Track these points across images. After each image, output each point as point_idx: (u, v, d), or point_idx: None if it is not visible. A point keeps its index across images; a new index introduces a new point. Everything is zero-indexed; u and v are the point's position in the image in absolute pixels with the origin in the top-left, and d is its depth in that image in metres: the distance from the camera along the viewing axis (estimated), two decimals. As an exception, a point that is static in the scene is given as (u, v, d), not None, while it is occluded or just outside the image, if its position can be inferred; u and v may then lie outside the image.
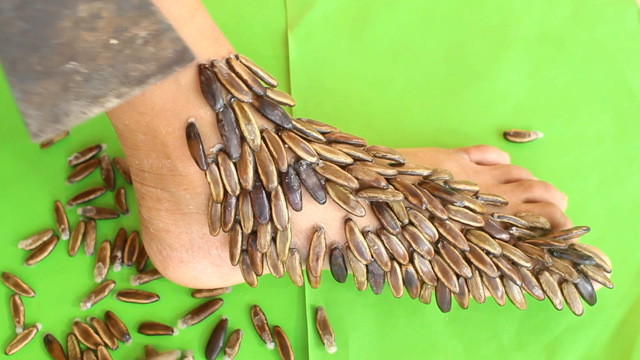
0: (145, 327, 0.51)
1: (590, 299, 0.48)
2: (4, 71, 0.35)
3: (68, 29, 0.35)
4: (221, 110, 0.43)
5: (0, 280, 0.53)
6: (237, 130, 0.43)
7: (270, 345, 0.50)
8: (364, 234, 0.46)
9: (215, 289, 0.52)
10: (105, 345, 0.50)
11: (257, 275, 0.47)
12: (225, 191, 0.44)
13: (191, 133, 0.43)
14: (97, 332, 0.51)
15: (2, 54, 0.35)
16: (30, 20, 0.35)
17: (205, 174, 0.44)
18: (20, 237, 0.54)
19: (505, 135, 0.58)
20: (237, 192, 0.44)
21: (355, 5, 0.65)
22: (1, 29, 0.35)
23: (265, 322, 0.51)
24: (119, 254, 0.54)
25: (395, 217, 0.45)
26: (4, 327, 0.51)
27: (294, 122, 0.45)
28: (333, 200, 0.45)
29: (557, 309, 0.47)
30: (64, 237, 0.54)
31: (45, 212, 0.55)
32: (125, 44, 0.37)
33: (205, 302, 0.52)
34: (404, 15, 0.65)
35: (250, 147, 0.43)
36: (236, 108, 0.43)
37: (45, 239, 0.54)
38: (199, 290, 0.52)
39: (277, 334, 0.51)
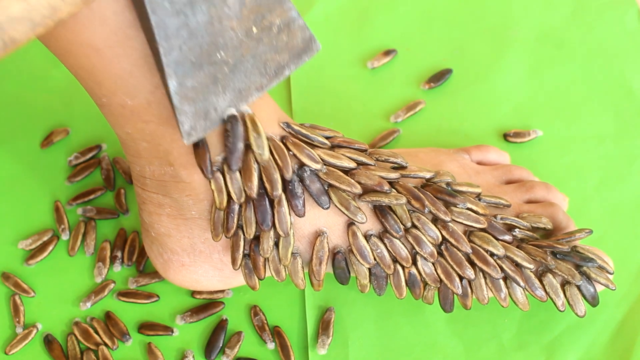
0: (145, 327, 0.51)
1: (593, 301, 0.48)
2: (164, 69, 0.36)
3: (218, 17, 0.36)
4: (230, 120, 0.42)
5: (0, 280, 0.53)
6: (241, 142, 0.43)
7: (271, 345, 0.50)
8: (367, 237, 0.46)
9: (216, 292, 0.52)
10: (106, 345, 0.50)
11: (259, 279, 0.47)
12: (229, 198, 0.44)
13: (199, 142, 0.42)
14: (97, 332, 0.51)
15: (162, 49, 0.36)
16: (184, 12, 0.35)
17: (210, 182, 0.43)
18: (20, 237, 0.54)
19: (505, 136, 0.58)
20: (242, 200, 0.44)
21: (355, 5, 0.65)
22: (161, 23, 0.35)
23: (265, 322, 0.51)
24: (119, 254, 0.54)
25: (398, 221, 0.45)
26: (4, 327, 0.51)
27: (298, 128, 0.45)
28: (335, 205, 0.45)
29: (560, 311, 0.47)
30: (64, 237, 0.54)
31: (45, 212, 0.55)
32: (263, 32, 0.37)
33: (206, 303, 0.52)
34: (404, 15, 0.64)
35: (257, 161, 0.43)
36: (247, 120, 0.43)
37: (45, 239, 0.54)
38: (199, 292, 0.52)
39: (277, 334, 0.51)
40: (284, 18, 0.38)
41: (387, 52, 0.62)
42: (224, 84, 0.38)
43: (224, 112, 0.39)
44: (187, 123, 0.38)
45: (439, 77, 0.61)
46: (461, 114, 0.60)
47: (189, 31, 0.36)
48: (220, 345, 0.51)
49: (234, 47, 0.37)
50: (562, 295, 0.47)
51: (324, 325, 0.51)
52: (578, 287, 0.47)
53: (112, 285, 0.53)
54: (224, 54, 0.37)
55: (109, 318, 0.51)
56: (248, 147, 0.43)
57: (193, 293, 0.52)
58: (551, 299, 0.47)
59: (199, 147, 0.42)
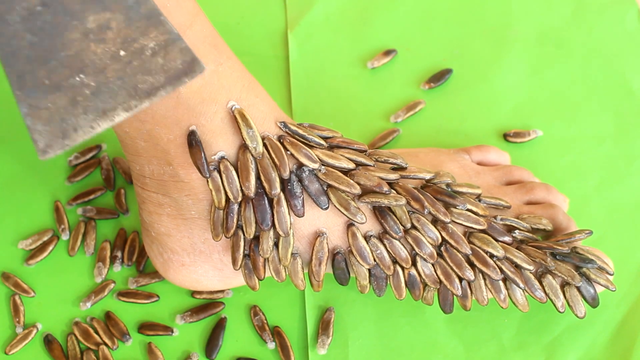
0: (145, 327, 0.51)
1: (593, 302, 0.48)
2: (11, 85, 0.35)
3: (77, 40, 0.35)
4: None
5: (0, 280, 0.53)
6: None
7: (271, 345, 0.50)
8: (367, 238, 0.46)
9: (216, 292, 0.52)
10: (106, 345, 0.50)
11: (259, 279, 0.47)
12: (227, 198, 0.44)
13: (193, 141, 0.42)
14: (97, 332, 0.51)
15: (9, 67, 0.34)
16: (39, 32, 0.34)
17: (207, 182, 0.44)
18: (20, 237, 0.54)
19: (505, 136, 0.58)
20: (239, 199, 0.44)
21: (355, 5, 0.65)
22: (9, 42, 0.34)
23: (265, 322, 0.51)
24: (119, 254, 0.54)
25: (397, 222, 0.45)
26: (4, 327, 0.51)
27: (295, 128, 0.45)
28: (335, 206, 0.45)
29: (560, 312, 0.47)
30: (64, 237, 0.54)
31: (45, 212, 0.55)
32: (133, 55, 0.36)
33: (206, 303, 0.52)
34: (404, 15, 0.64)
35: (252, 155, 0.43)
36: (237, 115, 0.43)
37: (45, 239, 0.54)
38: (199, 292, 0.52)
39: (277, 334, 0.51)
40: (160, 41, 0.36)
41: (387, 52, 0.62)
42: (85, 106, 0.36)
43: (86, 131, 0.37)
44: (42, 142, 0.36)
45: (439, 77, 0.61)
46: (461, 114, 0.60)
47: (42, 54, 0.35)
48: (220, 344, 0.51)
49: (96, 70, 0.36)
50: (561, 296, 0.47)
51: (323, 325, 0.51)
52: (578, 288, 0.47)
53: (112, 285, 0.53)
54: (84, 77, 0.36)
55: (109, 318, 0.51)
56: (245, 146, 0.43)
57: (193, 293, 0.52)
58: (551, 300, 0.47)
59: (193, 147, 0.42)
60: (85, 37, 0.35)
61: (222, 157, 0.43)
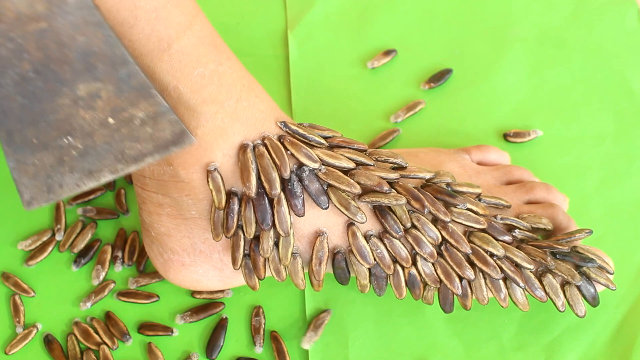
0: (145, 328, 0.51)
1: (593, 301, 0.48)
2: (2, 143, 0.35)
3: (66, 106, 0.35)
4: None
5: (0, 280, 0.53)
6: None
7: (259, 349, 0.50)
8: (367, 237, 0.46)
9: (216, 292, 0.52)
10: (106, 345, 0.50)
11: (259, 279, 0.47)
12: (228, 198, 0.44)
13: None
14: (97, 332, 0.51)
15: (0, 126, 0.35)
16: (30, 96, 0.34)
17: (208, 182, 0.44)
18: (20, 238, 0.54)
19: (505, 136, 0.58)
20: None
21: (355, 5, 0.65)
22: (0, 103, 0.34)
23: (262, 325, 0.51)
24: (119, 254, 0.54)
25: (397, 221, 0.45)
26: (4, 327, 0.51)
27: (296, 127, 0.45)
28: (335, 205, 0.45)
29: (560, 311, 0.47)
30: (58, 237, 0.54)
31: (45, 212, 0.55)
32: (122, 123, 0.36)
33: (206, 303, 0.52)
34: (404, 15, 0.65)
35: (253, 155, 0.43)
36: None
37: (44, 239, 0.54)
38: (199, 292, 0.52)
39: (273, 338, 0.51)
40: (150, 112, 0.37)
41: (387, 52, 0.62)
42: (72, 165, 0.37)
43: (71, 188, 0.38)
44: (27, 194, 0.37)
45: (439, 77, 0.61)
46: (461, 114, 0.60)
47: (31, 116, 0.35)
48: (221, 344, 0.51)
49: (84, 134, 0.36)
50: (562, 295, 0.47)
51: (317, 323, 0.51)
52: (578, 288, 0.47)
53: (112, 285, 0.53)
54: (72, 140, 0.36)
55: (109, 318, 0.51)
56: (245, 146, 0.43)
57: (193, 293, 0.52)
58: (551, 299, 0.47)
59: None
60: (74, 104, 0.35)
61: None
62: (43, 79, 0.34)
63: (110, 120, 0.36)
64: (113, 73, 0.35)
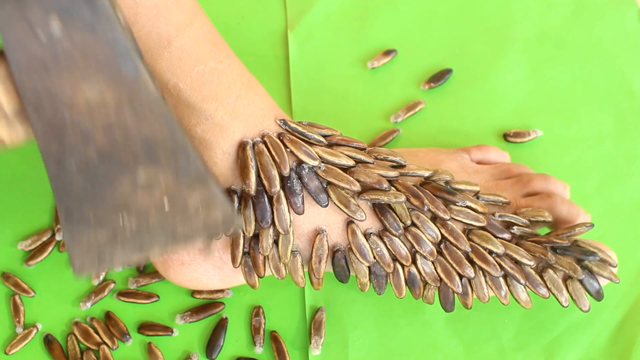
0: (145, 328, 0.51)
1: (598, 295, 0.48)
2: (60, 216, 0.37)
3: (126, 190, 0.36)
4: None
5: (0, 280, 0.53)
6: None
7: (259, 349, 0.50)
8: (367, 236, 0.46)
9: (216, 292, 0.52)
10: (106, 345, 0.50)
11: (258, 277, 0.47)
12: (228, 195, 0.44)
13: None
14: (97, 332, 0.51)
15: (59, 203, 0.36)
16: (92, 179, 0.36)
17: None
18: (20, 238, 0.54)
19: (505, 136, 0.58)
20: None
21: (355, 5, 0.65)
22: (63, 184, 0.36)
23: (262, 325, 0.51)
24: (119, 254, 0.54)
25: (397, 219, 0.45)
26: (4, 327, 0.51)
27: (295, 125, 0.45)
28: (334, 203, 0.45)
29: (563, 306, 0.47)
30: (58, 237, 0.54)
31: (45, 212, 0.55)
32: (177, 209, 0.38)
33: (206, 303, 0.52)
34: (404, 15, 0.65)
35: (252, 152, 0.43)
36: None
37: (44, 239, 0.54)
38: (199, 291, 0.52)
39: (273, 339, 0.51)
40: (205, 198, 0.38)
41: (387, 52, 0.62)
42: (124, 242, 0.38)
43: (122, 262, 0.39)
44: (78, 264, 0.38)
45: (439, 77, 0.61)
46: (461, 114, 0.60)
47: (91, 196, 0.36)
48: (221, 344, 0.50)
49: (140, 217, 0.37)
50: (564, 290, 0.47)
51: (316, 326, 0.51)
52: (581, 282, 0.47)
53: (112, 285, 0.53)
54: (127, 220, 0.37)
55: (109, 318, 0.51)
56: (245, 144, 0.44)
57: (193, 293, 0.52)
58: (554, 294, 0.47)
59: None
60: (133, 189, 0.36)
61: None
62: (106, 164, 0.35)
63: (167, 207, 0.37)
64: (173, 161, 0.36)
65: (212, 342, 0.50)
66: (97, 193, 0.36)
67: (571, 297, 0.47)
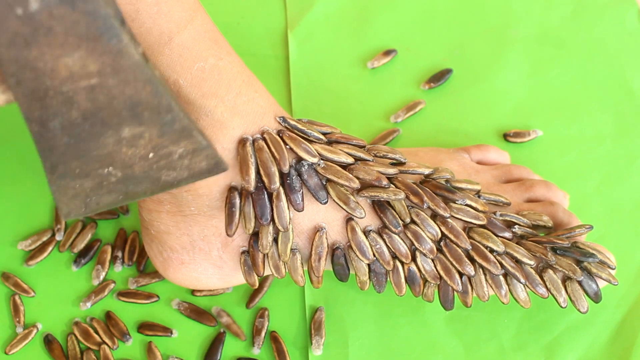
0: (145, 327, 0.51)
1: (595, 297, 0.48)
2: (45, 170, 0.37)
3: (110, 144, 0.37)
4: None
5: (0, 280, 0.53)
6: None
7: (257, 351, 0.50)
8: (366, 233, 0.46)
9: (216, 289, 0.52)
10: (106, 345, 0.50)
11: (258, 276, 0.47)
12: (228, 192, 0.44)
13: None
14: (97, 332, 0.51)
15: (44, 159, 0.37)
16: (76, 136, 0.36)
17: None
18: (20, 238, 0.54)
19: (505, 136, 0.58)
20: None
21: (355, 5, 0.65)
22: (47, 141, 0.36)
23: (265, 327, 0.51)
24: (119, 254, 0.54)
25: (397, 216, 0.45)
26: (4, 327, 0.51)
27: (294, 122, 0.45)
28: (334, 200, 0.45)
29: (562, 307, 0.47)
30: (58, 237, 0.54)
31: (45, 212, 0.55)
32: (161, 157, 0.38)
33: (203, 311, 0.52)
34: (404, 15, 0.65)
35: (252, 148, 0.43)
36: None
37: (44, 239, 0.54)
38: (200, 289, 0.52)
39: (273, 339, 0.51)
40: (189, 148, 0.38)
41: (387, 52, 0.62)
42: (109, 189, 0.39)
43: (108, 205, 0.40)
44: (65, 209, 0.39)
45: (439, 77, 0.61)
46: (461, 114, 0.60)
47: (76, 152, 0.37)
48: (219, 358, 0.50)
49: (124, 166, 0.38)
50: (563, 291, 0.47)
51: (315, 326, 0.51)
52: (579, 283, 0.47)
53: (112, 285, 0.53)
54: (112, 169, 0.38)
55: (109, 318, 0.51)
56: (244, 141, 0.44)
57: (193, 291, 0.52)
58: (552, 295, 0.47)
59: None
60: (118, 143, 0.37)
61: None
62: (90, 124, 0.36)
63: (151, 154, 0.38)
64: (157, 119, 0.37)
65: (210, 356, 0.50)
66: (81, 149, 0.36)
67: (570, 298, 0.47)
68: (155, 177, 0.39)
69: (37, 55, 0.33)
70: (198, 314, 0.51)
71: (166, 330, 0.51)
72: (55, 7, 0.32)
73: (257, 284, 0.47)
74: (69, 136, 0.36)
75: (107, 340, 0.50)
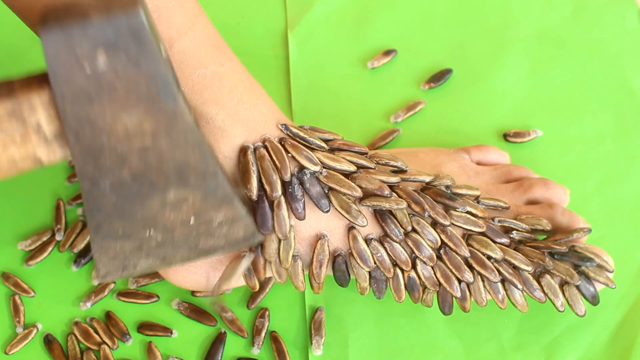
0: (145, 327, 0.51)
1: (593, 300, 0.48)
2: (89, 228, 0.38)
3: (155, 207, 0.38)
4: None
5: (0, 280, 0.53)
6: None
7: (256, 351, 0.50)
8: (367, 241, 0.46)
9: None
10: (106, 345, 0.50)
11: (259, 280, 0.47)
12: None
13: None
14: (97, 332, 0.51)
15: (90, 218, 0.38)
16: (123, 196, 0.37)
17: None
18: (20, 238, 0.54)
19: (505, 136, 0.58)
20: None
21: (355, 5, 0.65)
22: (95, 201, 0.37)
23: (265, 327, 0.51)
24: (119, 254, 0.54)
25: (398, 225, 0.45)
26: (4, 327, 0.51)
27: (296, 130, 0.45)
28: (336, 209, 0.45)
29: (560, 311, 0.47)
30: (58, 237, 0.54)
31: (45, 212, 0.55)
32: (202, 223, 0.39)
33: (204, 311, 0.52)
34: (404, 15, 0.65)
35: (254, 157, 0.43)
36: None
37: (44, 239, 0.54)
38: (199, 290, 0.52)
39: (273, 339, 0.51)
40: (229, 216, 0.40)
41: (387, 52, 0.62)
42: (148, 252, 0.40)
43: (145, 270, 0.41)
44: (104, 270, 0.40)
45: (439, 77, 0.61)
46: (461, 114, 0.60)
47: (121, 212, 0.38)
48: (219, 359, 0.50)
49: (165, 230, 0.39)
50: (561, 295, 0.47)
51: (315, 326, 0.51)
52: (577, 287, 0.47)
53: (112, 285, 0.53)
54: (153, 232, 0.39)
55: (109, 318, 0.51)
56: (246, 149, 0.43)
57: (193, 292, 0.52)
58: (550, 299, 0.47)
59: None
60: (162, 206, 0.38)
61: None
62: (138, 185, 0.37)
63: (192, 220, 0.39)
64: (203, 184, 0.38)
65: (210, 356, 0.50)
66: (127, 210, 0.37)
67: (567, 302, 0.47)
68: (193, 244, 0.40)
69: (98, 113, 0.34)
70: (198, 313, 0.52)
71: (166, 330, 0.51)
72: (121, 66, 0.33)
73: (257, 287, 0.47)
74: (117, 196, 0.37)
75: (107, 340, 0.50)
